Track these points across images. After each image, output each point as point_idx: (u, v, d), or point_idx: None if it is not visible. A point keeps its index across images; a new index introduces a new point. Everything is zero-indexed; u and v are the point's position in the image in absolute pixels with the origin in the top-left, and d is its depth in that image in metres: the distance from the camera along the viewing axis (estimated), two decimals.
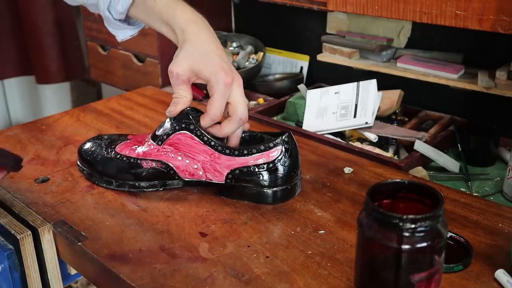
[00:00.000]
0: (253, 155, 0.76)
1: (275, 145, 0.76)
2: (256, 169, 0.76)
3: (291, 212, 0.77)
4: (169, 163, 0.79)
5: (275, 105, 1.34)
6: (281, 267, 0.65)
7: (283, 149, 0.76)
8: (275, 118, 1.32)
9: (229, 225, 0.74)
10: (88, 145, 0.88)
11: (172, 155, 0.79)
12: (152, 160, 0.80)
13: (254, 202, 0.78)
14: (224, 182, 0.78)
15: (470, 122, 1.19)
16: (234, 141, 0.80)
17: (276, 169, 0.76)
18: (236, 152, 0.77)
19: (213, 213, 0.77)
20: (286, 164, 0.77)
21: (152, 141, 0.81)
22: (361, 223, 0.53)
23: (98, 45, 1.84)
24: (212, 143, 0.77)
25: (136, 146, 0.82)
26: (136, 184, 0.81)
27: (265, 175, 0.77)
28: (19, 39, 2.04)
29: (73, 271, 0.80)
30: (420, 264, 0.52)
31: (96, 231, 0.73)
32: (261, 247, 0.69)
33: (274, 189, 0.77)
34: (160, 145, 0.79)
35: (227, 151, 0.77)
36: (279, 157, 0.76)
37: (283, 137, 0.77)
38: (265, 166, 0.76)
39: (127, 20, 0.88)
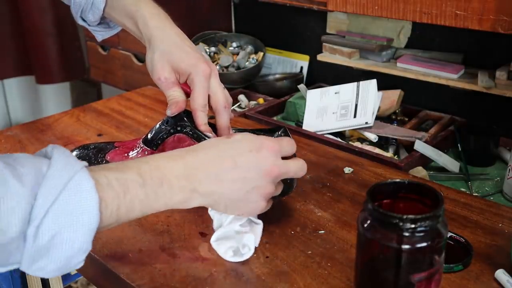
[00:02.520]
0: None
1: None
2: None
3: (291, 212, 0.77)
4: None
5: (275, 105, 1.34)
6: (281, 267, 0.65)
7: None
8: (275, 118, 1.32)
9: None
10: (74, 154, 0.84)
11: None
12: None
13: None
14: None
15: (470, 122, 1.19)
16: (225, 132, 0.79)
17: None
18: None
19: None
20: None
21: (145, 146, 0.79)
22: (361, 223, 0.53)
23: (98, 45, 1.84)
24: None
25: (127, 153, 0.80)
26: None
27: None
28: (19, 39, 2.04)
29: (73, 271, 0.80)
30: (420, 264, 0.52)
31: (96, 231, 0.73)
32: (261, 247, 0.69)
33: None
34: (155, 149, 0.78)
35: None
36: None
37: (279, 132, 0.77)
38: None
39: (105, 21, 0.88)
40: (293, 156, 0.69)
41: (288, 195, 0.74)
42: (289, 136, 0.78)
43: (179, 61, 0.75)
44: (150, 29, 0.77)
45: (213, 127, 0.81)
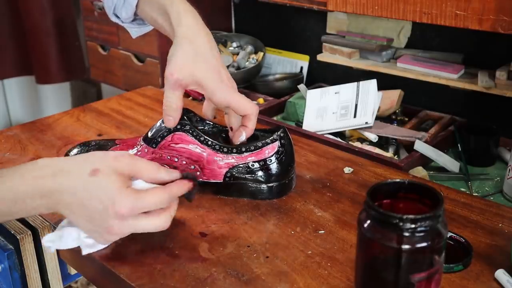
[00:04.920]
0: (251, 152, 0.77)
1: (272, 141, 0.77)
2: (255, 166, 0.77)
3: (291, 212, 0.77)
4: (165, 166, 0.78)
5: (275, 105, 1.34)
6: (281, 267, 0.65)
7: (280, 145, 0.77)
8: (275, 118, 1.32)
9: (229, 225, 0.74)
10: (75, 152, 0.85)
11: (168, 157, 0.78)
12: None
13: (252, 199, 0.79)
14: (222, 181, 0.78)
15: (470, 122, 1.19)
16: (240, 139, 0.80)
17: (274, 164, 0.77)
18: (234, 150, 0.77)
19: (213, 213, 0.77)
20: (283, 160, 0.78)
21: (145, 144, 0.79)
22: (361, 223, 0.53)
23: (98, 45, 1.84)
24: (209, 142, 0.77)
25: (128, 150, 0.81)
26: None
27: (264, 171, 0.77)
28: (19, 39, 2.04)
29: (73, 271, 0.80)
30: (420, 264, 0.52)
31: None
32: (261, 247, 0.69)
33: (272, 184, 0.78)
34: (155, 147, 0.78)
35: (225, 150, 0.77)
36: (277, 153, 0.77)
37: (279, 132, 0.78)
38: (263, 162, 0.77)
39: (138, 18, 0.88)
40: (192, 190, 0.66)
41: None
42: (289, 136, 0.79)
43: (203, 73, 0.74)
44: (182, 26, 0.76)
45: (223, 131, 0.81)
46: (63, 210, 0.62)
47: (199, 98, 1.32)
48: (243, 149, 0.77)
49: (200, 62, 0.74)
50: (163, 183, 0.65)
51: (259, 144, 0.77)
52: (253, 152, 0.77)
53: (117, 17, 0.86)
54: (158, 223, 0.64)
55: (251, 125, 0.78)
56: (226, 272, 0.64)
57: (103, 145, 0.84)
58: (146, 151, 0.79)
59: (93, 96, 2.39)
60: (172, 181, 0.66)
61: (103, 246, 0.68)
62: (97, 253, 0.68)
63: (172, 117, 0.76)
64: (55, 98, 2.32)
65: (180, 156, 0.78)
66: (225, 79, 0.76)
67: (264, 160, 0.77)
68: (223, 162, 0.77)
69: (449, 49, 1.26)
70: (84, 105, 1.19)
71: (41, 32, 2.01)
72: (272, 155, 0.77)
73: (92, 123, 1.09)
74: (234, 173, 0.77)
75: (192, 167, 0.78)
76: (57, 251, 0.76)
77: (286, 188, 0.80)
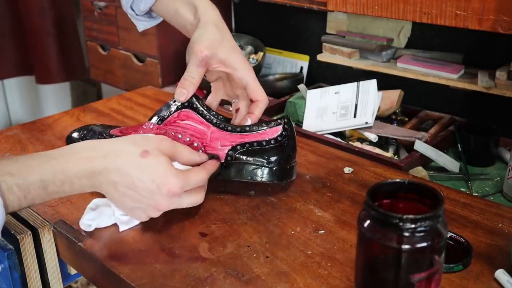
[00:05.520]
0: (255, 132, 0.78)
1: (277, 124, 0.78)
2: (257, 146, 0.77)
3: (291, 212, 0.77)
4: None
5: (275, 105, 1.34)
6: (281, 267, 0.65)
7: (284, 128, 0.78)
8: (275, 118, 1.32)
9: (229, 225, 0.74)
10: (76, 134, 0.89)
11: (173, 133, 0.78)
12: None
13: (251, 180, 0.78)
14: (223, 161, 0.78)
15: (470, 122, 1.19)
16: (244, 120, 0.82)
17: (277, 146, 0.77)
18: (239, 129, 0.78)
19: (213, 213, 0.77)
20: (286, 144, 0.78)
21: (151, 122, 0.80)
22: (361, 223, 0.53)
23: (98, 45, 1.84)
24: (214, 120, 0.78)
25: (131, 129, 0.83)
26: None
27: (266, 152, 0.77)
28: (19, 39, 2.04)
29: (73, 271, 0.80)
30: (420, 264, 0.52)
31: (96, 231, 0.73)
32: (261, 247, 0.69)
33: (273, 166, 0.78)
34: (160, 123, 0.79)
35: (229, 128, 0.78)
36: (280, 135, 0.78)
37: (283, 119, 0.79)
38: (265, 143, 0.77)
39: (149, 12, 0.90)
40: (215, 173, 0.75)
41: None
42: (292, 124, 0.80)
43: (230, 55, 0.78)
44: (208, 15, 0.79)
45: (228, 121, 0.82)
46: (107, 189, 0.65)
47: (201, 97, 1.32)
48: (247, 129, 0.78)
49: (226, 43, 0.79)
50: (195, 165, 0.73)
51: (263, 124, 0.78)
52: (257, 132, 0.77)
53: (133, 10, 0.88)
54: (198, 199, 0.71)
55: (258, 112, 0.80)
56: (226, 272, 0.64)
57: (106, 126, 0.87)
58: (151, 126, 0.80)
59: (93, 96, 2.39)
60: (202, 163, 0.74)
61: (138, 222, 0.73)
62: (97, 253, 0.68)
63: (186, 90, 0.77)
64: (55, 98, 2.32)
65: (184, 132, 0.78)
66: (247, 63, 0.81)
67: (267, 141, 0.77)
68: (226, 141, 0.78)
69: (449, 49, 1.26)
70: (84, 105, 1.19)
71: (41, 32, 2.01)
72: (275, 137, 0.77)
73: (92, 123, 1.09)
74: (236, 151, 0.77)
75: (195, 144, 0.78)
76: (57, 250, 0.76)
77: (286, 174, 0.79)
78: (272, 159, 0.78)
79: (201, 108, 0.78)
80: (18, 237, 0.72)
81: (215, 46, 0.77)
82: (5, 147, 0.98)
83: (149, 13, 0.90)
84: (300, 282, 0.63)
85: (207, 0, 0.82)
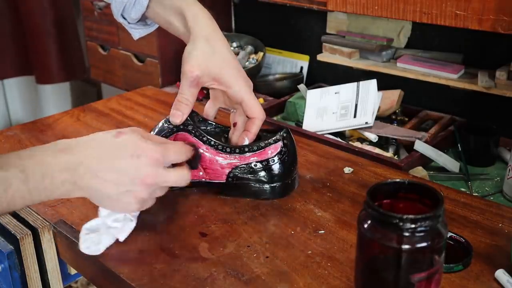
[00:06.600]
0: (254, 152, 0.77)
1: (275, 141, 0.77)
2: (258, 166, 0.77)
3: (291, 212, 0.77)
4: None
5: (275, 105, 1.34)
6: (281, 267, 0.65)
7: (283, 145, 0.78)
8: (275, 118, 1.32)
9: (229, 225, 0.74)
10: None
11: None
12: None
13: (255, 198, 0.79)
14: (225, 181, 0.78)
15: (470, 122, 1.19)
16: (242, 138, 0.81)
17: (277, 164, 0.77)
18: (237, 150, 0.77)
19: (213, 213, 0.77)
20: (286, 160, 0.78)
21: None
22: (361, 223, 0.53)
23: (98, 45, 1.84)
24: (212, 142, 0.77)
25: None
26: None
27: (266, 171, 0.77)
28: (19, 39, 2.04)
29: (73, 271, 0.80)
30: (420, 264, 0.52)
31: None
32: (261, 247, 0.69)
33: (275, 184, 0.78)
34: None
35: (228, 150, 0.77)
36: (280, 153, 0.77)
37: (282, 133, 0.78)
38: (266, 162, 0.77)
39: (143, 19, 0.88)
40: (195, 158, 0.73)
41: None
42: (291, 136, 0.79)
43: (223, 72, 0.76)
44: (199, 26, 0.77)
45: (225, 131, 0.82)
46: (88, 182, 0.63)
47: (200, 98, 1.32)
48: (246, 149, 0.77)
49: (218, 59, 0.76)
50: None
51: (262, 144, 0.77)
52: (256, 152, 0.77)
53: (124, 18, 0.86)
54: (184, 175, 0.68)
55: (255, 129, 0.79)
56: (226, 272, 0.64)
57: None
58: None
59: (93, 96, 2.39)
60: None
61: (134, 224, 0.70)
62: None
63: (181, 112, 0.76)
64: (55, 98, 2.32)
65: None
66: (242, 76, 0.78)
67: (267, 160, 0.77)
68: (225, 162, 0.77)
69: (449, 49, 1.26)
70: (84, 105, 1.19)
71: (41, 32, 2.01)
72: (275, 155, 0.77)
73: (92, 123, 1.09)
74: (237, 173, 0.77)
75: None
76: (57, 250, 0.76)
77: (288, 188, 0.80)
78: (274, 177, 0.78)
79: (198, 131, 0.77)
80: (18, 237, 0.72)
81: (206, 63, 0.75)
82: (5, 147, 0.98)
83: (143, 20, 0.88)
84: (300, 282, 0.62)
85: (196, 5, 0.79)
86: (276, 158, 0.77)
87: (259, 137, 0.81)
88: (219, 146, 0.77)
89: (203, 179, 0.79)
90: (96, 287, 0.76)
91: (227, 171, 0.77)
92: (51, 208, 0.79)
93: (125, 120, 1.10)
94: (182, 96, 0.76)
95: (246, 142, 0.78)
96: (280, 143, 0.77)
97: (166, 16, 0.81)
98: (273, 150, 0.77)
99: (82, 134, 1.03)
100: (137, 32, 0.90)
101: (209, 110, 0.83)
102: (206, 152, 0.77)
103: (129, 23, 0.87)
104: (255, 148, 0.77)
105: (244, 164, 0.77)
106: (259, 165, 0.77)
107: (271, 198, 0.79)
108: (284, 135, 0.78)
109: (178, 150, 0.69)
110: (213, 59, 0.76)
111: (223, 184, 0.78)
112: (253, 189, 0.78)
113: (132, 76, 1.75)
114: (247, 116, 0.79)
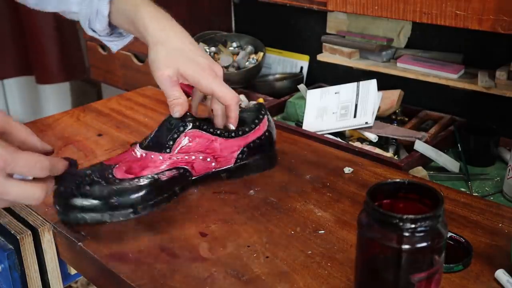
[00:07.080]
0: (253, 130, 0.84)
1: (263, 116, 0.86)
2: (257, 142, 0.85)
3: (291, 212, 0.77)
4: (186, 167, 0.78)
5: (275, 105, 1.34)
6: (281, 267, 0.65)
7: (269, 118, 0.88)
8: (275, 118, 1.32)
9: (229, 225, 0.74)
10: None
11: (186, 157, 0.78)
12: (169, 170, 0.77)
13: (260, 171, 0.86)
14: (232, 165, 0.83)
15: (470, 122, 1.19)
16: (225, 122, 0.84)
17: (271, 134, 0.87)
18: (240, 133, 0.83)
19: (213, 213, 0.77)
20: (273, 129, 0.89)
21: (153, 152, 0.76)
22: (361, 223, 0.53)
23: (98, 45, 1.84)
24: (218, 132, 0.81)
25: (131, 164, 0.76)
26: (157, 200, 0.76)
27: (262, 146, 0.86)
28: (19, 39, 2.04)
29: (73, 271, 0.80)
30: (420, 264, 0.52)
31: (96, 231, 0.73)
32: (261, 247, 0.69)
33: (270, 156, 0.88)
34: (169, 152, 0.77)
35: (233, 134, 0.82)
36: (269, 125, 0.87)
37: (262, 110, 0.87)
38: (263, 136, 0.86)
39: (116, 30, 0.88)
40: (65, 177, 0.66)
41: None
42: (267, 114, 0.87)
43: (185, 67, 0.77)
44: (150, 31, 0.78)
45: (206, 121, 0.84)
46: None
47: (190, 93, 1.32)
48: (247, 129, 0.84)
49: (178, 58, 0.77)
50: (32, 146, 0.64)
51: (256, 121, 0.85)
52: (255, 130, 0.84)
53: (94, 31, 0.86)
54: (32, 192, 0.58)
55: (233, 114, 0.82)
56: (226, 272, 0.64)
57: (104, 168, 0.76)
58: (161, 158, 0.76)
59: (93, 96, 2.38)
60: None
61: None
62: (97, 253, 0.68)
63: (180, 106, 0.77)
64: (55, 98, 2.32)
65: (197, 152, 0.79)
66: (206, 68, 0.79)
67: (264, 134, 0.86)
68: (234, 146, 0.82)
69: (449, 49, 1.26)
70: (84, 105, 1.19)
71: (41, 32, 2.01)
72: (266, 130, 0.86)
73: (92, 123, 1.09)
74: (245, 152, 0.84)
75: (208, 159, 0.80)
76: (57, 250, 0.76)
77: (276, 159, 0.90)
78: (267, 150, 0.87)
79: (202, 124, 0.79)
80: (18, 237, 0.72)
81: (170, 64, 0.77)
82: None
83: (116, 32, 0.87)
84: (300, 282, 0.63)
85: (144, 8, 0.79)
86: (269, 129, 0.87)
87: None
88: (225, 133, 0.81)
89: (213, 170, 0.82)
90: (96, 287, 0.76)
91: (236, 154, 0.83)
92: (51, 208, 0.78)
93: (125, 120, 1.10)
94: (171, 98, 0.77)
95: (232, 127, 0.83)
96: (266, 119, 0.86)
97: (124, 25, 0.83)
98: (263, 126, 0.86)
99: (82, 134, 1.03)
100: (114, 45, 0.90)
101: (192, 106, 0.86)
102: (215, 142, 0.80)
103: (100, 35, 0.87)
104: (253, 126, 0.84)
105: (250, 142, 0.84)
106: (258, 140, 0.85)
107: (270, 168, 0.87)
108: (263, 112, 0.86)
109: (31, 163, 0.58)
110: (174, 59, 0.77)
111: (231, 168, 0.84)
112: (258, 163, 0.86)
113: (132, 76, 1.75)
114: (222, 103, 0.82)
